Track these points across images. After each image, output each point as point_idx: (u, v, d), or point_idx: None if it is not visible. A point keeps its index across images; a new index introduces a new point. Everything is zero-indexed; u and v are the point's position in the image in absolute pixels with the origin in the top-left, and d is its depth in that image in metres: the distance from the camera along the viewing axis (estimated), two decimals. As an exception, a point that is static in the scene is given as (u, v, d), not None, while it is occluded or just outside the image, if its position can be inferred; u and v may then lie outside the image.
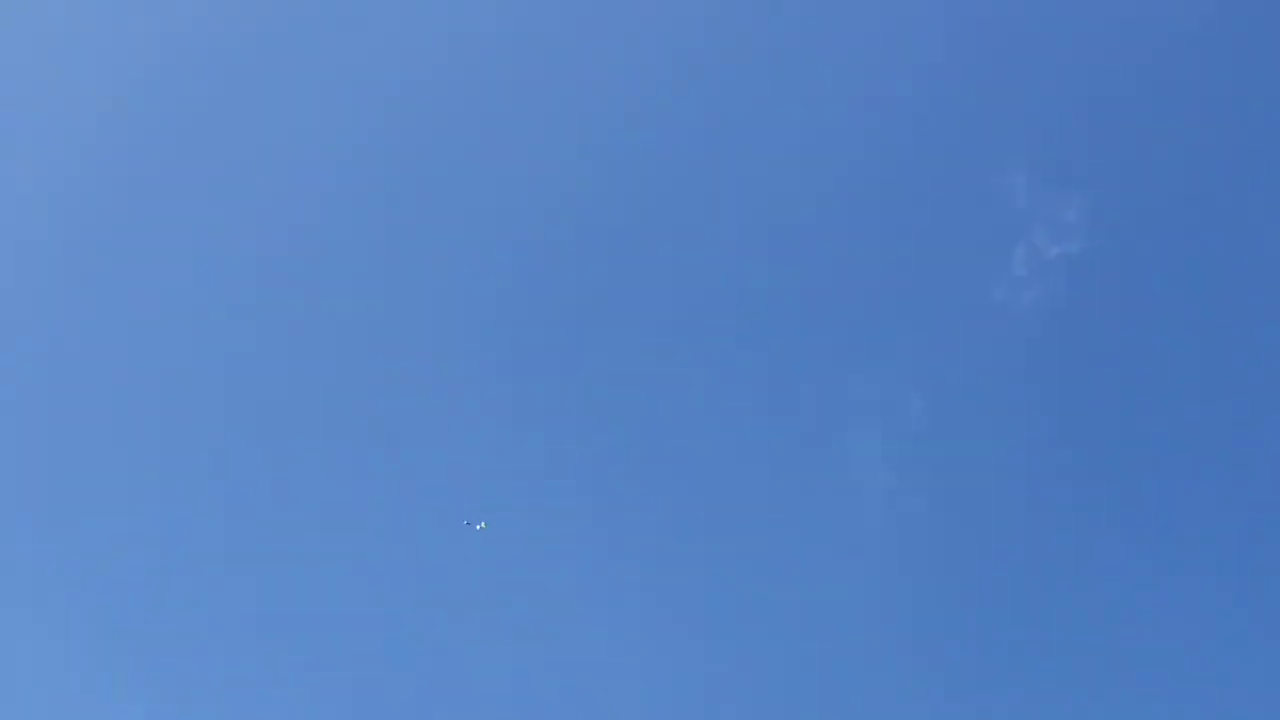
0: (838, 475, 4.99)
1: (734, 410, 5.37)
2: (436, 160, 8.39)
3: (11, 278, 8.85)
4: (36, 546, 10.27)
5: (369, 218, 8.10)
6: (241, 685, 8.17)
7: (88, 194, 10.17)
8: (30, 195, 10.37)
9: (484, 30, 8.04)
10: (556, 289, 6.55)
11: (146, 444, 8.38)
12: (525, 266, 6.31)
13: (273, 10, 11.08)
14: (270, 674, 6.90)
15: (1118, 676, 5.91)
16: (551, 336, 5.94)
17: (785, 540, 6.18)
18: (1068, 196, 4.59)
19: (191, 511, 10.18)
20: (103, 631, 10.19)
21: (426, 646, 7.74)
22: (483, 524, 6.33)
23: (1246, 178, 4.79)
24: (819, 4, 5.40)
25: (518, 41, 6.83)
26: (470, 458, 8.26)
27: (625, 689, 6.34)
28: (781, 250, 5.25)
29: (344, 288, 7.86)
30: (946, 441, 4.82)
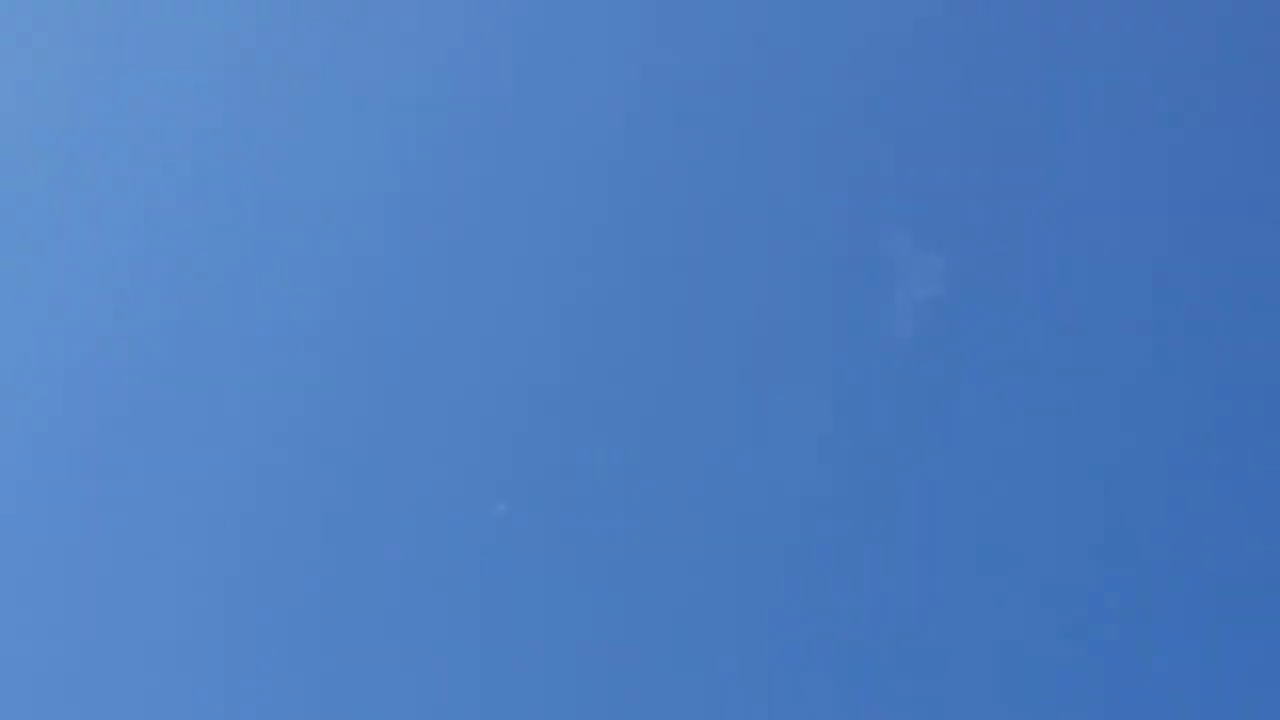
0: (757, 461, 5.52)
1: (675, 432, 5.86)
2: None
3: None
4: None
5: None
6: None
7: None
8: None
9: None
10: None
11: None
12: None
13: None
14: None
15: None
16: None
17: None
18: (934, 252, 5.23)
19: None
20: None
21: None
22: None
23: (1074, 236, 5.47)
24: (735, 75, 5.86)
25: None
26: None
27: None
28: (712, 276, 5.74)
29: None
30: (849, 435, 5.43)
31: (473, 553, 6.76)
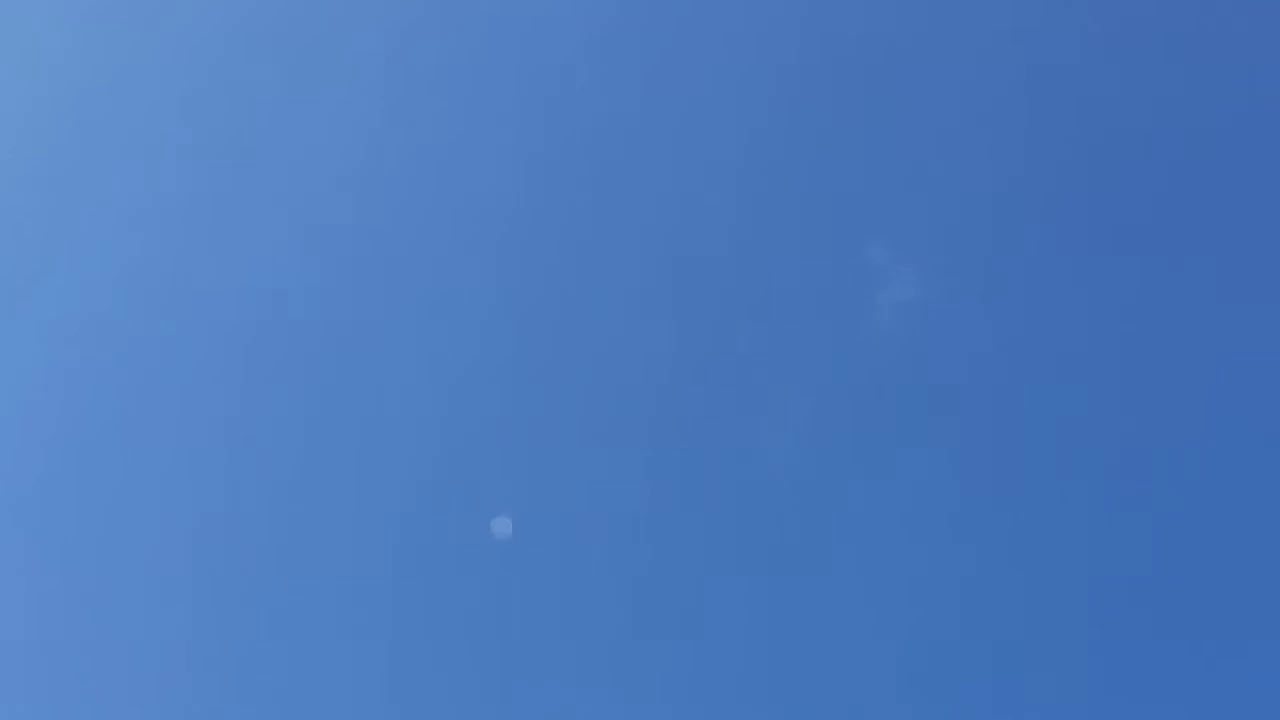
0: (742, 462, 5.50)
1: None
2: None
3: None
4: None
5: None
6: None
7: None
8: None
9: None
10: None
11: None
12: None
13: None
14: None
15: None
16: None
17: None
18: (912, 259, 5.36)
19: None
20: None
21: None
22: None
23: (1044, 242, 5.56)
24: (708, 88, 5.83)
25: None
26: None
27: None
28: (701, 277, 5.77)
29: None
30: (834, 427, 5.51)
31: (474, 552, 6.79)
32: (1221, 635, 6.28)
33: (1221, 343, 6.48)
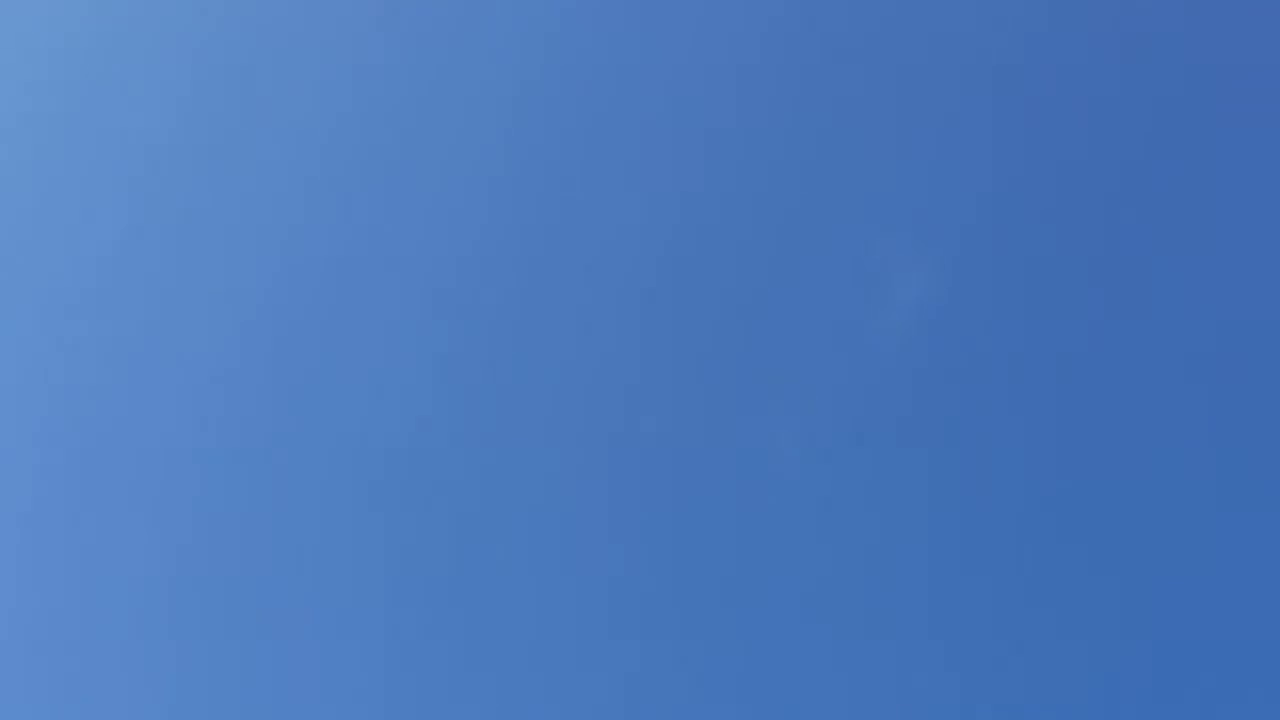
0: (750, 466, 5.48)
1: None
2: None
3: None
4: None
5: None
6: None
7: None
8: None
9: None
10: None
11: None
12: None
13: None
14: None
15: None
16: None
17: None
18: (920, 254, 5.36)
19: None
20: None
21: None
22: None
23: (1066, 240, 5.55)
24: (715, 86, 5.86)
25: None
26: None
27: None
28: (719, 267, 5.79)
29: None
30: (856, 415, 5.50)
31: (473, 553, 6.81)
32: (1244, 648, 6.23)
33: (1235, 340, 6.44)
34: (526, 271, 7.00)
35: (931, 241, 6.74)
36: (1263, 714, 6.15)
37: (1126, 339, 6.56)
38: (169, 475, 6.99)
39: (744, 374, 6.77)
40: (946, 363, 6.64)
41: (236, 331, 7.15)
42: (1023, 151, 6.73)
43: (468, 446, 7.00)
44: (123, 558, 6.92)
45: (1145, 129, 6.78)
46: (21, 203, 7.42)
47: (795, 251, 6.82)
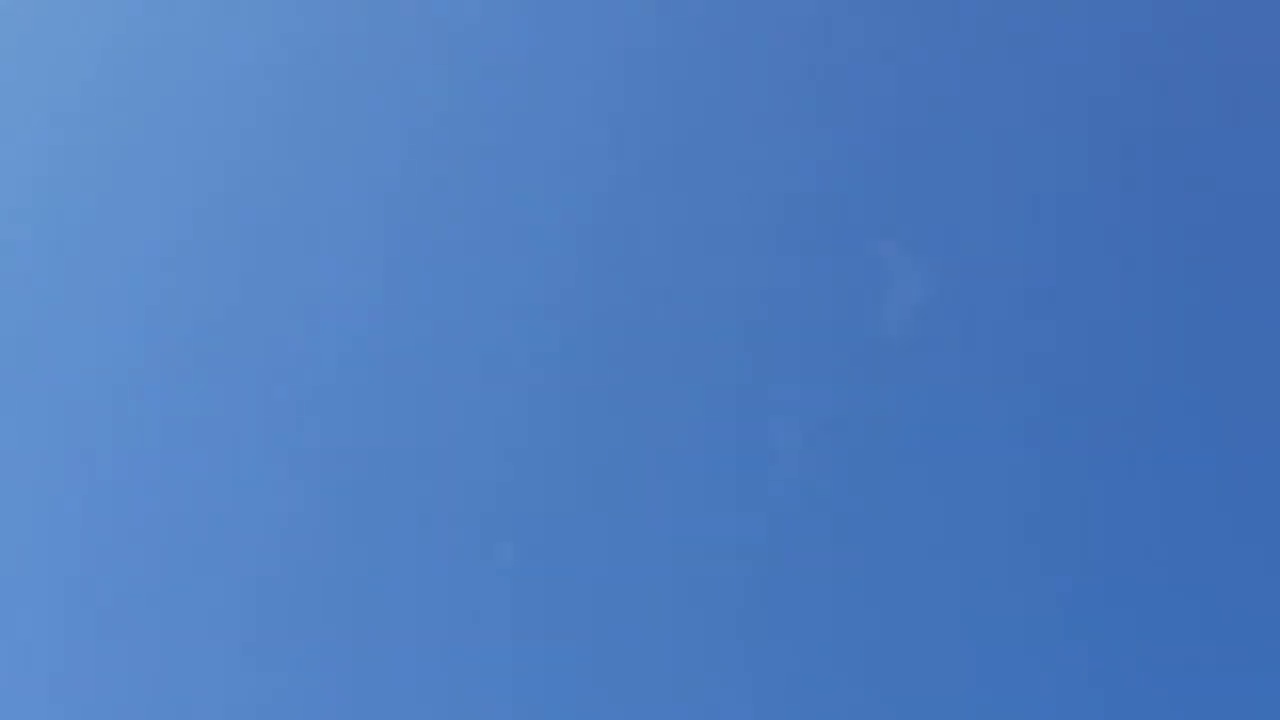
0: (755, 454, 5.52)
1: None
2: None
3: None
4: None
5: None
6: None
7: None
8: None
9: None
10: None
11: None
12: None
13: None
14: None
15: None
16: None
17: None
18: (916, 259, 5.45)
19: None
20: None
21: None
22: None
23: (1056, 242, 5.59)
24: (734, 88, 5.88)
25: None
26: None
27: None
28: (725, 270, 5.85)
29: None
30: (856, 422, 5.56)
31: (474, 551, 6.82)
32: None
33: (1236, 338, 6.49)
34: (528, 274, 7.06)
35: (929, 245, 6.80)
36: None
37: (1118, 340, 6.63)
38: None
39: (747, 368, 6.84)
40: (943, 360, 6.71)
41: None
42: (1014, 159, 6.81)
43: (468, 447, 7.02)
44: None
45: (1134, 134, 6.82)
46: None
47: (798, 255, 6.89)
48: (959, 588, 6.50)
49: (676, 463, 6.83)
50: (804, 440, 6.69)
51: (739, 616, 6.59)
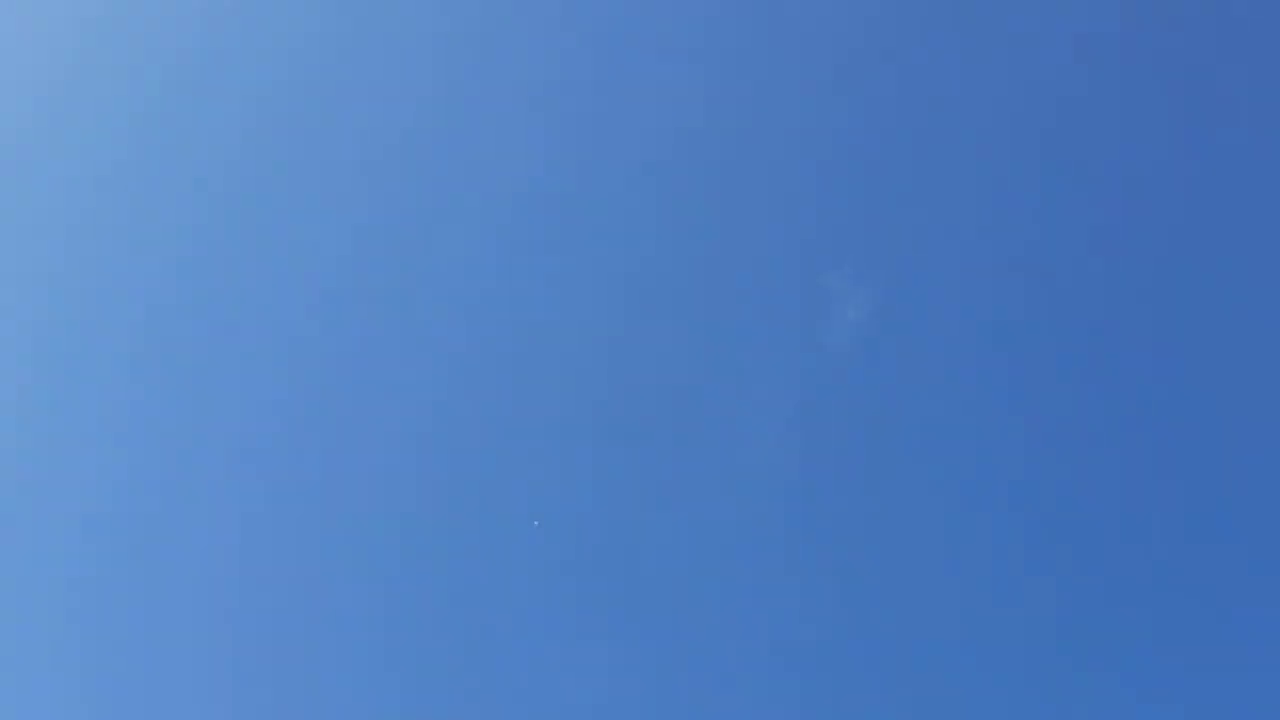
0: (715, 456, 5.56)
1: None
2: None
3: None
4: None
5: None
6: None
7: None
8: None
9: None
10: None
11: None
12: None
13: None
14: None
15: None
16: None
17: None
18: (857, 282, 5.80)
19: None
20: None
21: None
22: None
23: (980, 266, 5.95)
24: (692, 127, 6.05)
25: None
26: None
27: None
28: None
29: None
30: (803, 427, 5.79)
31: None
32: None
33: (1185, 352, 6.98)
34: (528, 304, 7.41)
35: (869, 271, 7.28)
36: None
37: (1047, 350, 7.17)
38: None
39: (711, 380, 7.29)
40: (883, 372, 7.23)
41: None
42: (948, 193, 7.33)
43: (465, 446, 7.31)
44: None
45: (1063, 162, 7.25)
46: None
47: (754, 281, 7.40)
48: (915, 578, 6.93)
49: (643, 451, 7.18)
50: (756, 448, 7.12)
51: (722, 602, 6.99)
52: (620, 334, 7.39)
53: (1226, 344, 7.03)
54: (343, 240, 7.55)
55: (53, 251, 7.67)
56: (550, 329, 7.41)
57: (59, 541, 7.33)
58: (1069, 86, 7.34)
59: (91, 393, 7.56)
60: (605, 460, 7.24)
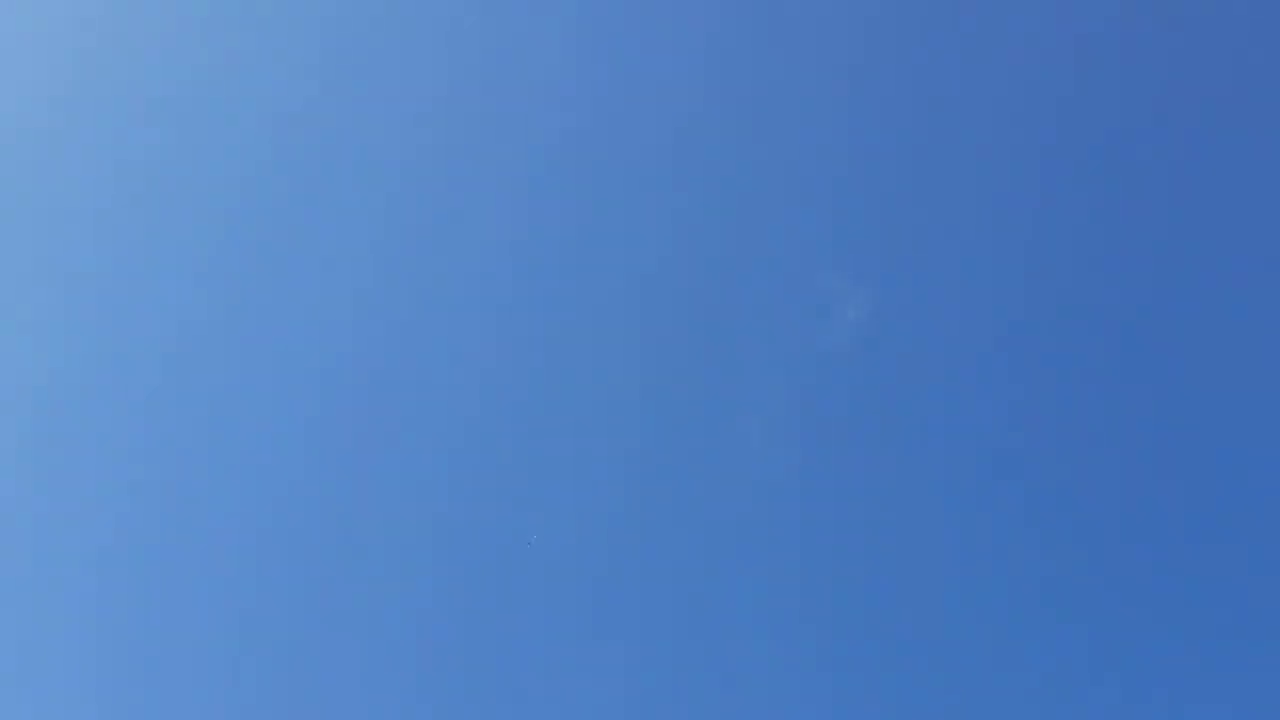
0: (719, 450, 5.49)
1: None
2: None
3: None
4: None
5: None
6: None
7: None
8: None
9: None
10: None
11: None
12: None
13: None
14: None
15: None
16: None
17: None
18: (855, 282, 5.77)
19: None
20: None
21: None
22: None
23: (973, 271, 5.92)
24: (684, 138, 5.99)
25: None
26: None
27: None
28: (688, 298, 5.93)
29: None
30: (803, 426, 5.73)
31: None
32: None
33: (1180, 359, 7.01)
34: (525, 314, 7.44)
35: (868, 272, 7.33)
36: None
37: (1047, 350, 7.19)
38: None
39: (714, 379, 7.32)
40: (882, 373, 7.26)
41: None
42: (948, 194, 7.35)
43: (463, 445, 7.33)
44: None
45: (1057, 167, 7.28)
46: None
47: (754, 281, 7.43)
48: (910, 572, 6.96)
49: (647, 450, 7.21)
50: (753, 448, 7.15)
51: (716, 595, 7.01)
52: (619, 334, 7.45)
53: (1227, 344, 7.06)
54: (343, 240, 7.59)
55: (53, 251, 7.72)
56: (550, 329, 7.47)
57: (58, 541, 7.38)
58: (1069, 87, 7.37)
59: (91, 392, 7.60)
60: (605, 460, 7.29)
